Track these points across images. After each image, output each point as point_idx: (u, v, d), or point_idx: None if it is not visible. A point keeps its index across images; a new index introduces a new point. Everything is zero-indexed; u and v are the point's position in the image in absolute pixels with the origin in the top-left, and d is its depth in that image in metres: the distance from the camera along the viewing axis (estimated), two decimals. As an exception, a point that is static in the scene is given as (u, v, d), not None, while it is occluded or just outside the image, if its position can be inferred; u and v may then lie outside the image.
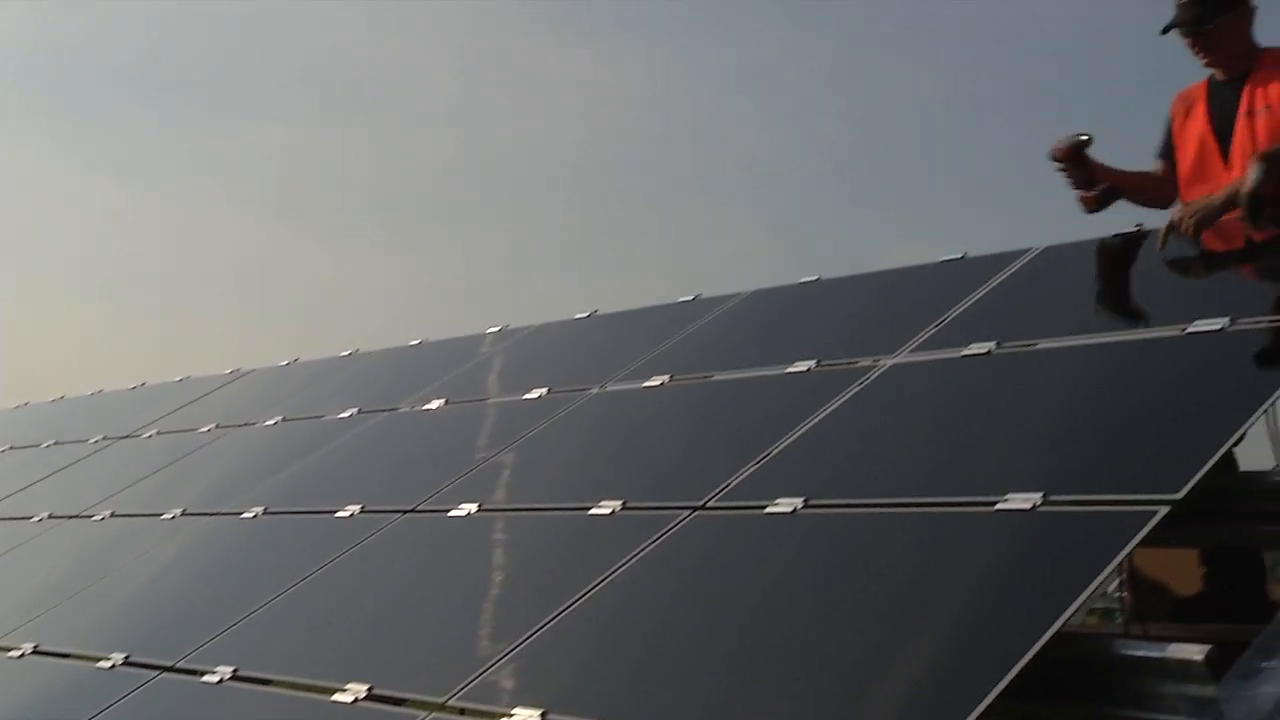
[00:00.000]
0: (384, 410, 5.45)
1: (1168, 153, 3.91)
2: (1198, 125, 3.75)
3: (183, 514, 5.15)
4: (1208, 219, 3.44)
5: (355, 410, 5.58)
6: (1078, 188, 3.86)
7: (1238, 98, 3.66)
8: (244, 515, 4.80)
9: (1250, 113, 3.61)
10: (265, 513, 4.75)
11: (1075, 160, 3.83)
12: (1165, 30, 3.73)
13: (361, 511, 4.31)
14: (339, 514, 4.37)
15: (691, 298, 5.16)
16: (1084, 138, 3.83)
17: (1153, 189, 3.96)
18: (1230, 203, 3.40)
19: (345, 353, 6.86)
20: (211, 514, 5.02)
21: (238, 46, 21.04)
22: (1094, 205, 3.88)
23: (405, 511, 4.17)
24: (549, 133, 21.38)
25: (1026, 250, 4.11)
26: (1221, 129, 3.68)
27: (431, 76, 21.33)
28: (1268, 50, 3.71)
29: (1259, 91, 3.61)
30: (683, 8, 20.08)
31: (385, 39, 20.95)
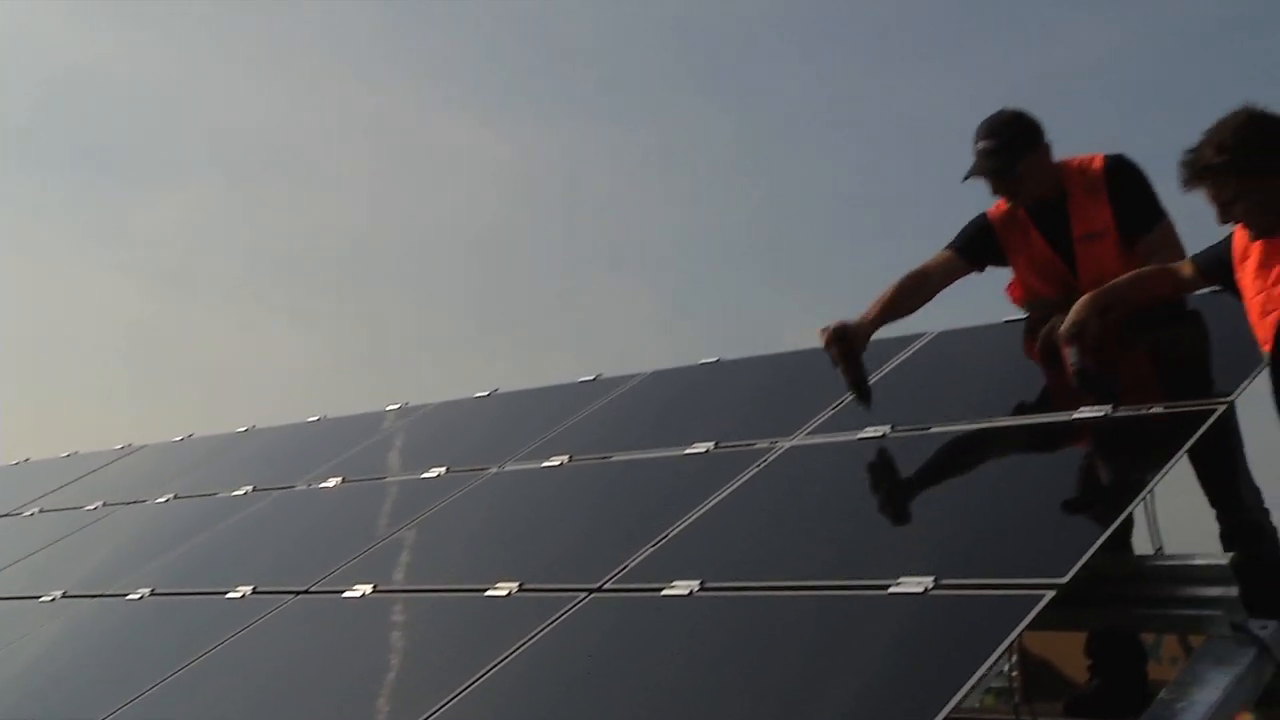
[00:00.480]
0: (280, 488, 5.35)
1: (972, 254, 3.86)
2: (1040, 250, 3.76)
3: (64, 596, 4.97)
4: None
5: (250, 488, 5.47)
6: (850, 373, 3.71)
7: (1062, 219, 3.70)
8: (129, 597, 4.66)
9: (1086, 238, 3.66)
10: (152, 594, 4.61)
11: (846, 343, 3.68)
12: (966, 178, 3.73)
13: (253, 592, 4.21)
14: (230, 595, 4.26)
15: (592, 377, 5.18)
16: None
17: (928, 287, 3.85)
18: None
19: (242, 428, 6.74)
20: (95, 596, 4.86)
21: (132, 114, 20.73)
22: (857, 375, 3.73)
23: (298, 593, 4.08)
24: (453, 209, 21.41)
25: (921, 335, 4.21)
26: (1062, 250, 3.72)
27: (335, 151, 21.25)
28: (1067, 168, 3.73)
29: (1085, 219, 3.67)
30: (589, 86, 20.37)
31: (288, 111, 20.87)
